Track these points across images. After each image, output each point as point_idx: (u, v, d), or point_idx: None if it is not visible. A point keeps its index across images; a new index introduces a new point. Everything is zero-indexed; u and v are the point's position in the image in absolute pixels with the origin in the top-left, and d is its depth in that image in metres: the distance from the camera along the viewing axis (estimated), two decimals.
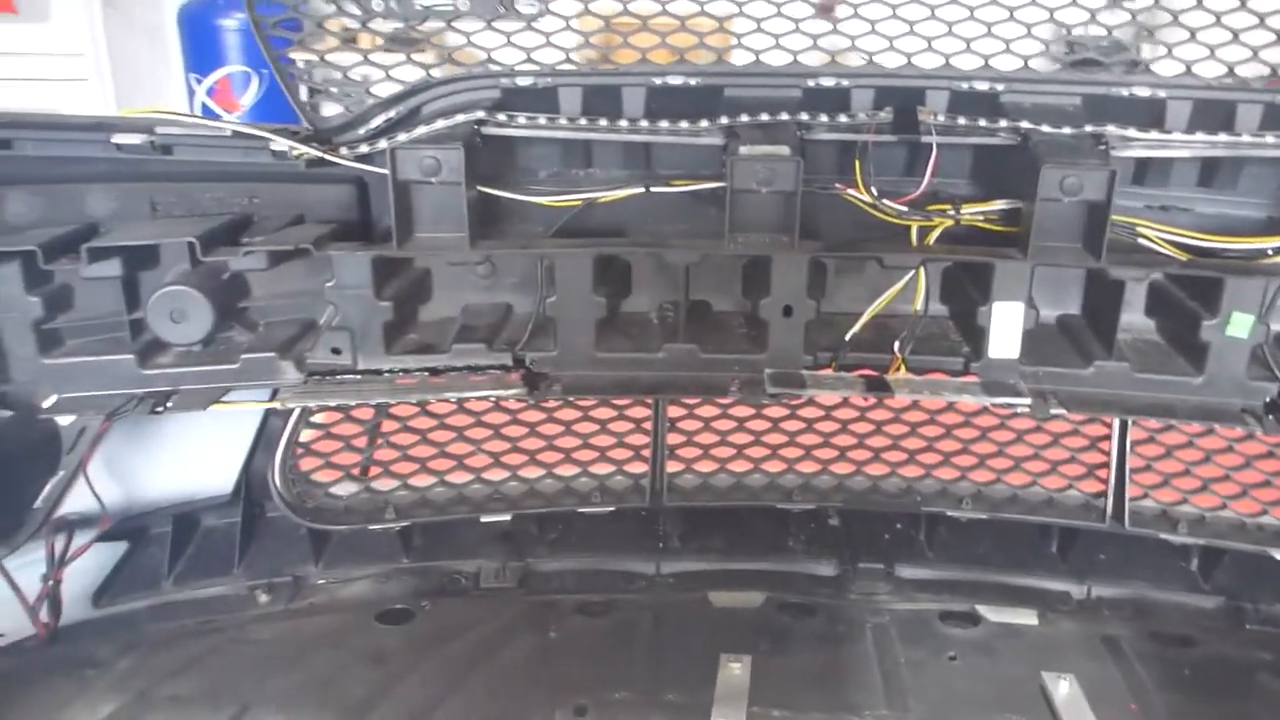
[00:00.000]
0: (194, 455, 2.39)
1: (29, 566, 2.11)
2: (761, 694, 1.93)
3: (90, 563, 2.24)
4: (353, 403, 2.17)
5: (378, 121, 2.06)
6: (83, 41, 6.19)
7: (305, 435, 2.30)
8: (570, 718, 1.86)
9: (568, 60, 2.13)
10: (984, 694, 2.03)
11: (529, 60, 2.11)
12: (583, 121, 2.07)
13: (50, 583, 2.13)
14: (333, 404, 2.21)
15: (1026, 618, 2.22)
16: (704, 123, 2.04)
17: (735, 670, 1.99)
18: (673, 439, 2.38)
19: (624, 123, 2.07)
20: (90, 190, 2.07)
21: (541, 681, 1.99)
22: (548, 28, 2.12)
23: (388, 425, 2.36)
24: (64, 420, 2.07)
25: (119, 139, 1.99)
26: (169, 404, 2.00)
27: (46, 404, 2.00)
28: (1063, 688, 2.00)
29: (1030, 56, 2.14)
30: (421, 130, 2.00)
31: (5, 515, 1.99)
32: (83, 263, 1.93)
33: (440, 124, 2.00)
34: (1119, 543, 2.38)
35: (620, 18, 2.12)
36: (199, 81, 6.24)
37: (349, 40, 2.32)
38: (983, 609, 2.25)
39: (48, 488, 2.08)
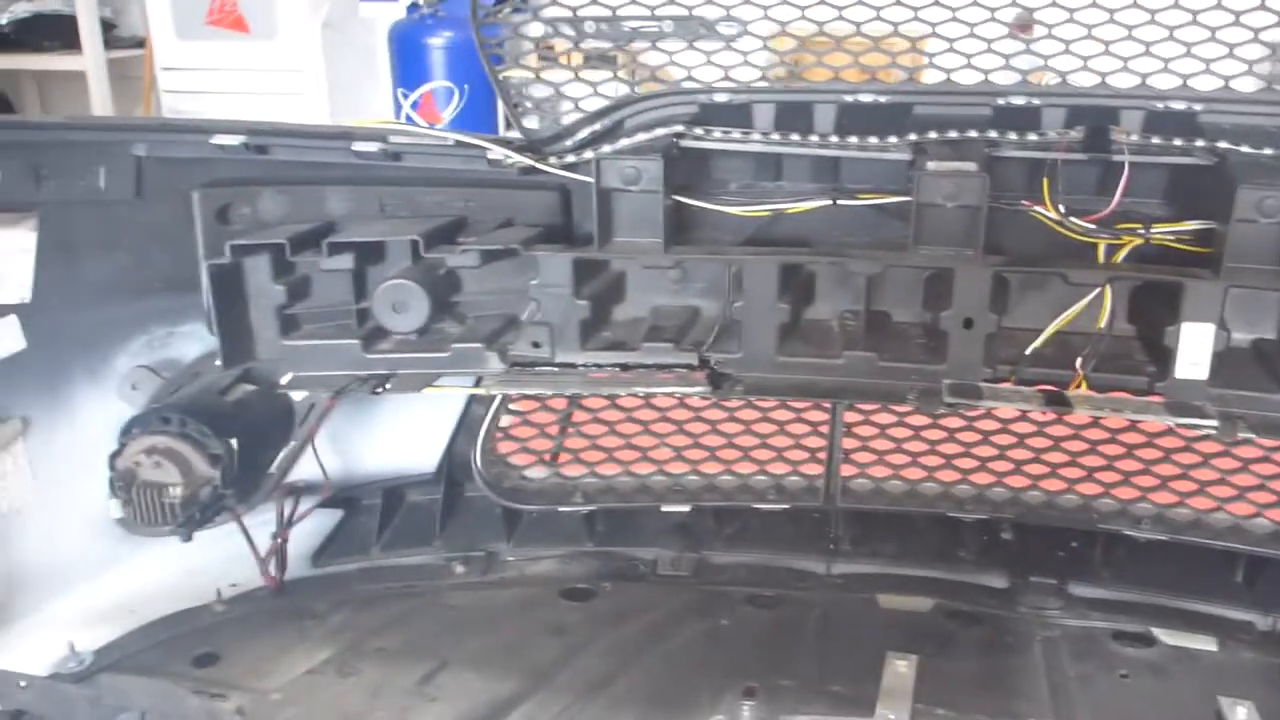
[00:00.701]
0: (404, 435, 2.61)
1: (261, 525, 2.35)
2: (926, 693, 1.96)
3: (312, 525, 2.48)
4: (548, 393, 2.35)
5: (584, 133, 2.21)
6: (304, 58, 6.72)
7: (504, 421, 2.49)
8: (739, 699, 1.95)
9: (763, 78, 2.24)
10: (1154, 712, 2.00)
11: (726, 78, 2.23)
12: (775, 136, 2.17)
13: (278, 540, 2.36)
14: (530, 393, 2.41)
15: (1205, 643, 2.16)
16: (892, 139, 2.11)
17: (901, 668, 2.03)
18: (848, 443, 2.44)
19: (814, 138, 2.16)
20: (330, 192, 2.31)
21: (712, 664, 2.09)
22: (745, 47, 2.24)
23: (579, 415, 2.52)
24: (297, 396, 2.32)
25: (358, 146, 2.21)
26: (387, 386, 2.20)
27: (284, 380, 2.24)
28: (1240, 714, 1.95)
29: (1233, 76, 2.12)
30: (624, 142, 2.15)
31: (246, 478, 2.23)
32: (322, 256, 2.17)
33: (641, 136, 2.15)
34: None
35: (814, 38, 2.22)
36: (405, 95, 6.65)
37: (558, 59, 2.51)
38: (1158, 631, 2.20)
39: (281, 456, 2.34)
